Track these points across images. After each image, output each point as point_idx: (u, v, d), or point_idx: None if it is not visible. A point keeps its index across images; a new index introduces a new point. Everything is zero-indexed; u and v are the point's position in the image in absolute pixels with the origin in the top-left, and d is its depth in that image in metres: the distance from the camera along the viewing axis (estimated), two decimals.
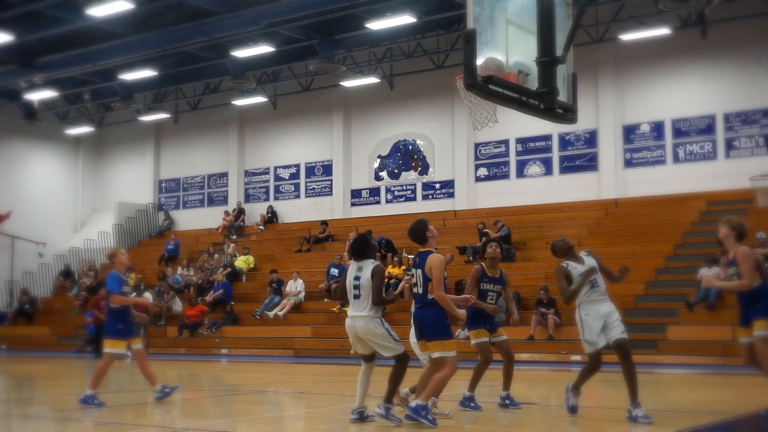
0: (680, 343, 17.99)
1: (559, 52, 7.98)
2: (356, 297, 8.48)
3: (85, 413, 9.92)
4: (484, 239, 10.37)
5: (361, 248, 8.68)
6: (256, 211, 31.39)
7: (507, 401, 9.85)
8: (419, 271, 8.33)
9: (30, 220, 33.09)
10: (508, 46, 7.72)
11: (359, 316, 8.43)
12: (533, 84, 7.89)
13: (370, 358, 8.63)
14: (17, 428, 9.47)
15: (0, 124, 32.47)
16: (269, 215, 30.81)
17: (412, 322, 8.68)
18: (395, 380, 8.43)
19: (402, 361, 8.44)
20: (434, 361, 8.26)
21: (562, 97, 8.18)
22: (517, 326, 10.67)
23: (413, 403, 8.08)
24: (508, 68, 7.69)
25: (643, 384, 14.31)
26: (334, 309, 22.99)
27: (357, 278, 8.49)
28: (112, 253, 11.02)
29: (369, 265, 8.51)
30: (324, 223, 28.45)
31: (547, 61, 7.87)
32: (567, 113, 8.41)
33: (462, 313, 8.60)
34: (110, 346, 10.57)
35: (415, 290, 8.44)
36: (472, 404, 9.68)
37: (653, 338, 18.34)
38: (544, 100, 7.93)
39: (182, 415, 9.87)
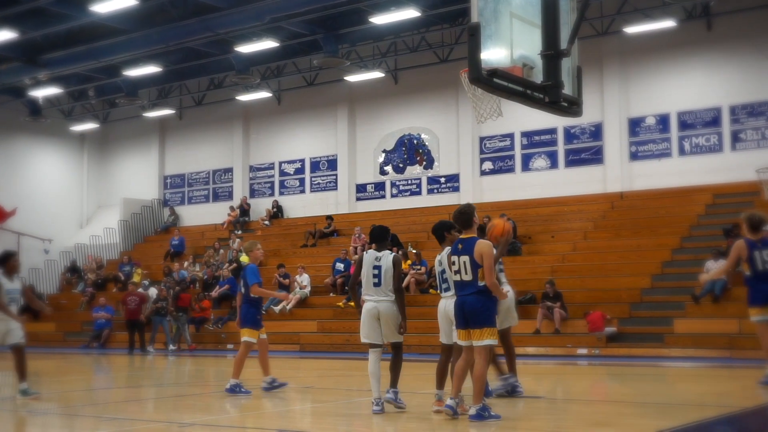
0: (686, 336, 17.96)
1: (563, 45, 7.95)
2: (376, 285, 8.85)
3: (91, 409, 9.92)
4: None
5: (382, 235, 9.08)
6: (261, 206, 31.41)
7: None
8: (465, 258, 8.11)
9: (35, 216, 33.12)
10: (513, 39, 7.70)
11: (384, 300, 8.82)
12: (538, 77, 7.87)
13: (378, 346, 8.91)
14: (24, 424, 9.49)
15: (5, 121, 32.56)
16: (274, 210, 30.82)
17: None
18: (396, 368, 8.88)
19: (400, 350, 8.94)
20: (469, 349, 8.16)
21: (567, 90, 8.15)
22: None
23: (473, 411, 8.02)
24: (513, 62, 7.67)
25: (650, 377, 14.36)
26: (340, 304, 23.02)
27: (377, 267, 8.84)
28: (249, 247, 11.39)
29: (388, 255, 8.88)
30: (329, 217, 28.44)
31: (552, 54, 7.84)
32: (572, 106, 8.39)
33: (505, 293, 8.68)
34: (248, 335, 11.09)
35: (458, 278, 8.20)
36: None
37: (659, 331, 18.33)
38: (549, 94, 7.91)
39: (189, 410, 9.89)
